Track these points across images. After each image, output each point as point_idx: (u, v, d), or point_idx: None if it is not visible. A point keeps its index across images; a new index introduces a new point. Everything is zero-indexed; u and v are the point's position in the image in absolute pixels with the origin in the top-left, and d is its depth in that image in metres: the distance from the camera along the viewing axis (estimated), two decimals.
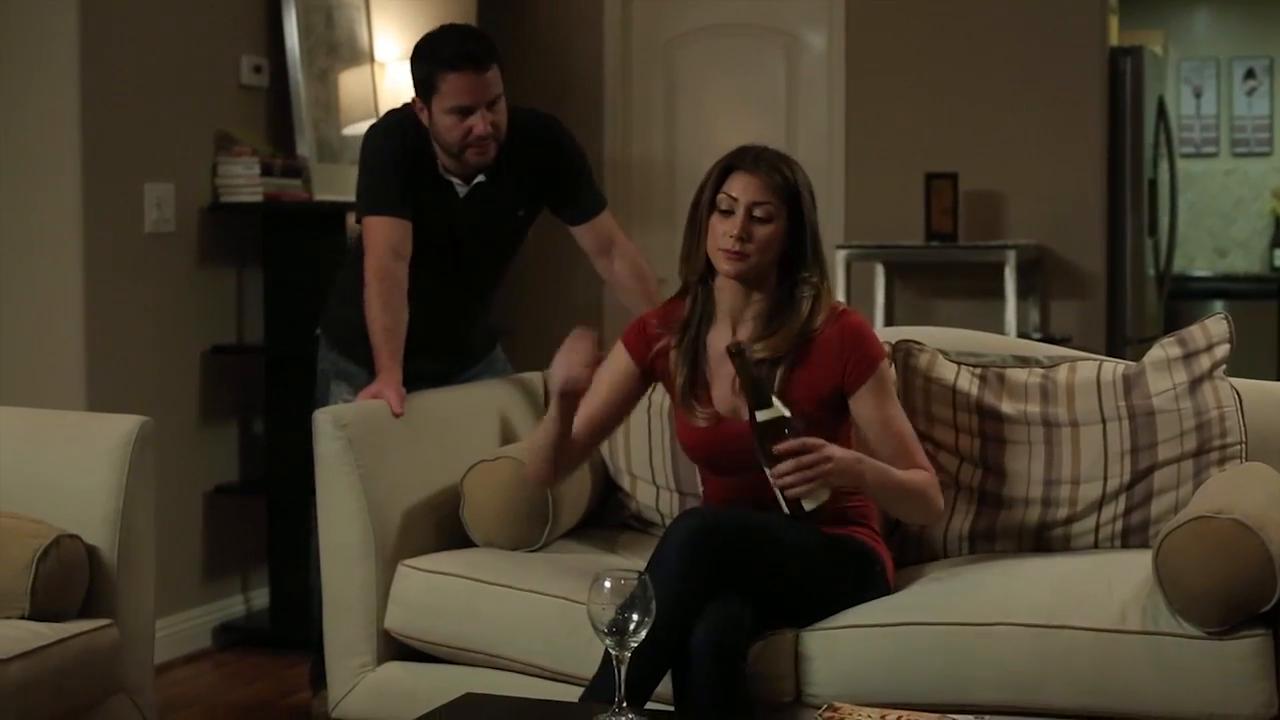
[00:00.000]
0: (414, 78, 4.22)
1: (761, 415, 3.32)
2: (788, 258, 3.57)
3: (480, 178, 4.27)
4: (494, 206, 4.32)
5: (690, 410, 3.62)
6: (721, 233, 3.54)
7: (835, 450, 3.34)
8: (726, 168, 3.59)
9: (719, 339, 3.61)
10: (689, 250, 3.64)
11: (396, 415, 3.98)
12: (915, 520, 3.70)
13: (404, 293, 4.16)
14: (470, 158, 4.21)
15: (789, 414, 3.32)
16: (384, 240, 4.18)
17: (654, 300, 4.43)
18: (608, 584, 2.80)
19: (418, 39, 4.30)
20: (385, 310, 4.13)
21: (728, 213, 3.54)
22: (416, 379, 4.14)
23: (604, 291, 7.27)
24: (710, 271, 3.61)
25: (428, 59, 4.19)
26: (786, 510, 3.34)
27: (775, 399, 3.34)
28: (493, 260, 4.47)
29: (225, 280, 5.74)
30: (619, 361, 3.75)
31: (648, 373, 3.73)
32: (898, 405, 3.62)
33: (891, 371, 3.64)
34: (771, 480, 3.32)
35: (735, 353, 3.34)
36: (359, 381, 4.31)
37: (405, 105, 4.31)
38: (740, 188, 3.54)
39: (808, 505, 3.32)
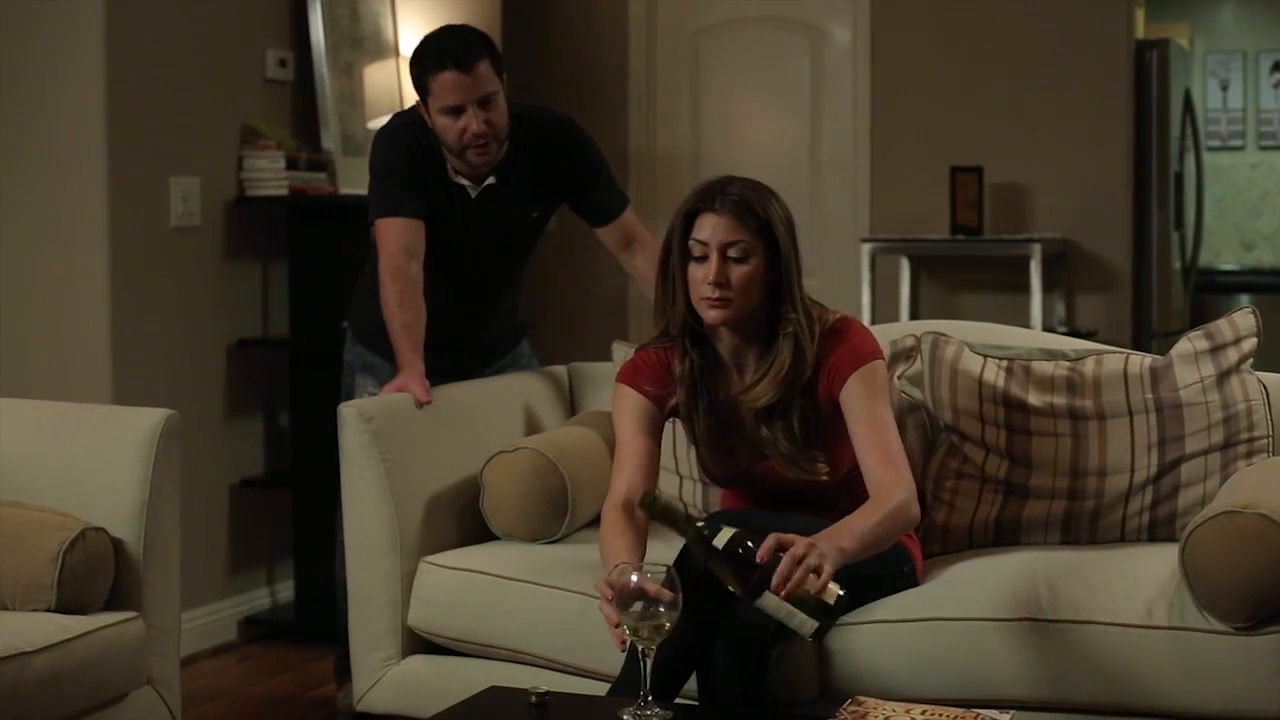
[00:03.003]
0: (412, 81, 4.24)
1: (718, 543, 3.01)
2: (777, 292, 3.41)
3: (491, 179, 4.27)
4: (506, 208, 4.32)
5: (719, 465, 3.58)
6: (699, 280, 3.37)
7: (799, 538, 3.03)
8: (690, 212, 3.40)
9: (729, 386, 3.50)
10: (666, 303, 3.46)
11: (423, 404, 3.98)
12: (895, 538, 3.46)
13: (419, 290, 4.16)
14: (471, 158, 4.20)
15: (734, 530, 3.03)
16: (396, 241, 4.18)
17: None
18: (634, 578, 2.80)
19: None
20: (402, 308, 4.13)
21: (701, 259, 3.37)
22: (438, 377, 4.14)
23: (629, 284, 7.27)
24: (697, 321, 3.45)
25: (419, 61, 4.20)
26: (813, 630, 3.02)
27: (711, 529, 3.04)
28: (508, 261, 4.47)
29: (250, 274, 5.75)
30: (634, 403, 3.54)
31: (666, 410, 3.57)
32: (887, 408, 3.46)
33: (883, 375, 3.49)
34: (777, 603, 3.00)
35: (646, 505, 3.04)
36: (383, 375, 4.32)
37: (414, 108, 4.31)
38: (709, 230, 3.36)
39: (830, 598, 3.00)
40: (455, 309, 4.35)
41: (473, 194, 4.27)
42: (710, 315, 3.38)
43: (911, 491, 3.34)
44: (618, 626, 2.90)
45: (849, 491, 3.48)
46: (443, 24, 4.56)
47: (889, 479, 3.33)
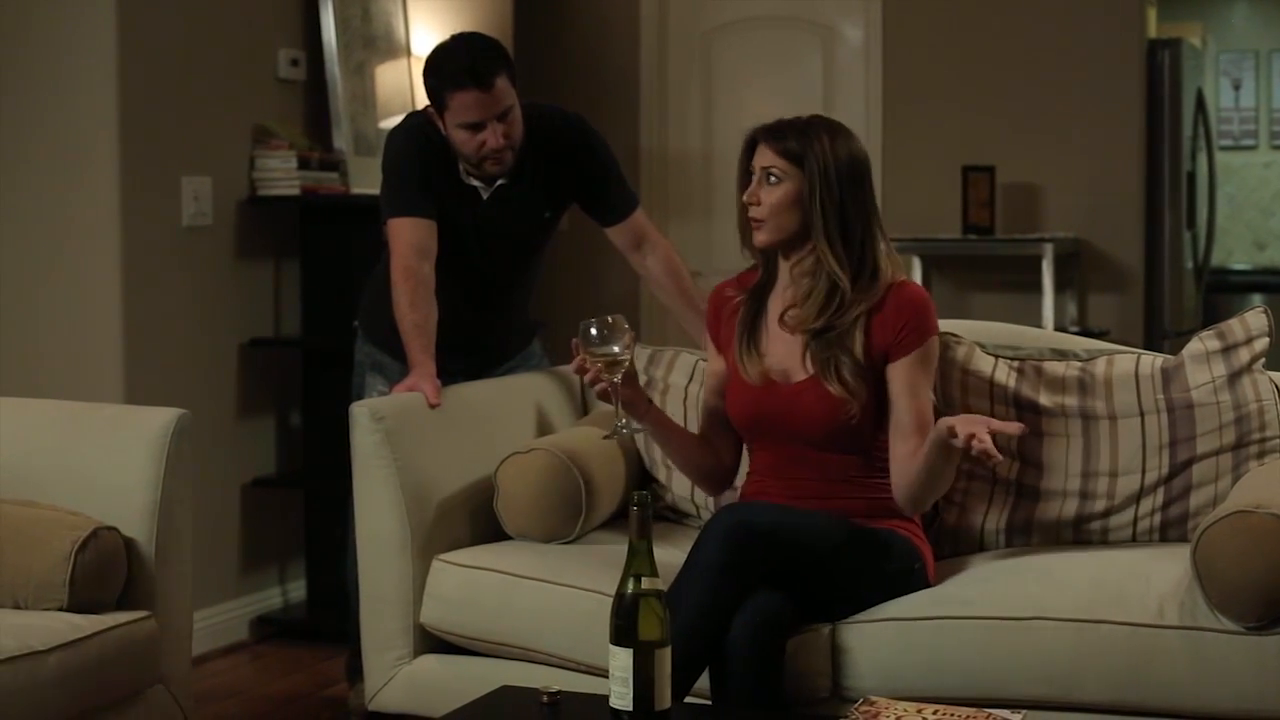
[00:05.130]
0: (427, 91, 4.23)
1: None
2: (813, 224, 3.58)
3: (502, 180, 4.27)
4: (518, 208, 4.32)
5: (743, 364, 3.63)
6: (741, 201, 3.63)
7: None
8: (750, 139, 3.64)
9: (777, 305, 3.65)
10: (740, 227, 3.68)
11: (433, 406, 3.99)
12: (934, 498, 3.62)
13: (431, 290, 4.16)
14: (488, 169, 4.21)
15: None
16: (408, 240, 4.19)
17: (689, 294, 4.43)
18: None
19: (435, 46, 4.30)
20: (413, 307, 4.13)
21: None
22: (449, 377, 4.14)
23: (640, 284, 7.27)
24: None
25: (437, 75, 4.18)
26: None
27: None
28: (520, 261, 4.47)
29: (262, 273, 5.75)
30: (710, 348, 3.80)
31: (721, 344, 3.75)
32: (930, 385, 3.61)
33: (935, 353, 3.63)
34: None
35: (643, 502, 2.94)
36: (393, 374, 4.33)
37: (427, 108, 4.30)
38: (757, 157, 3.60)
39: None
40: (466, 309, 4.35)
41: (485, 195, 4.27)
42: (754, 236, 3.60)
43: None
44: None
45: (863, 460, 3.57)
46: (454, 23, 4.58)
47: (908, 443, 3.51)
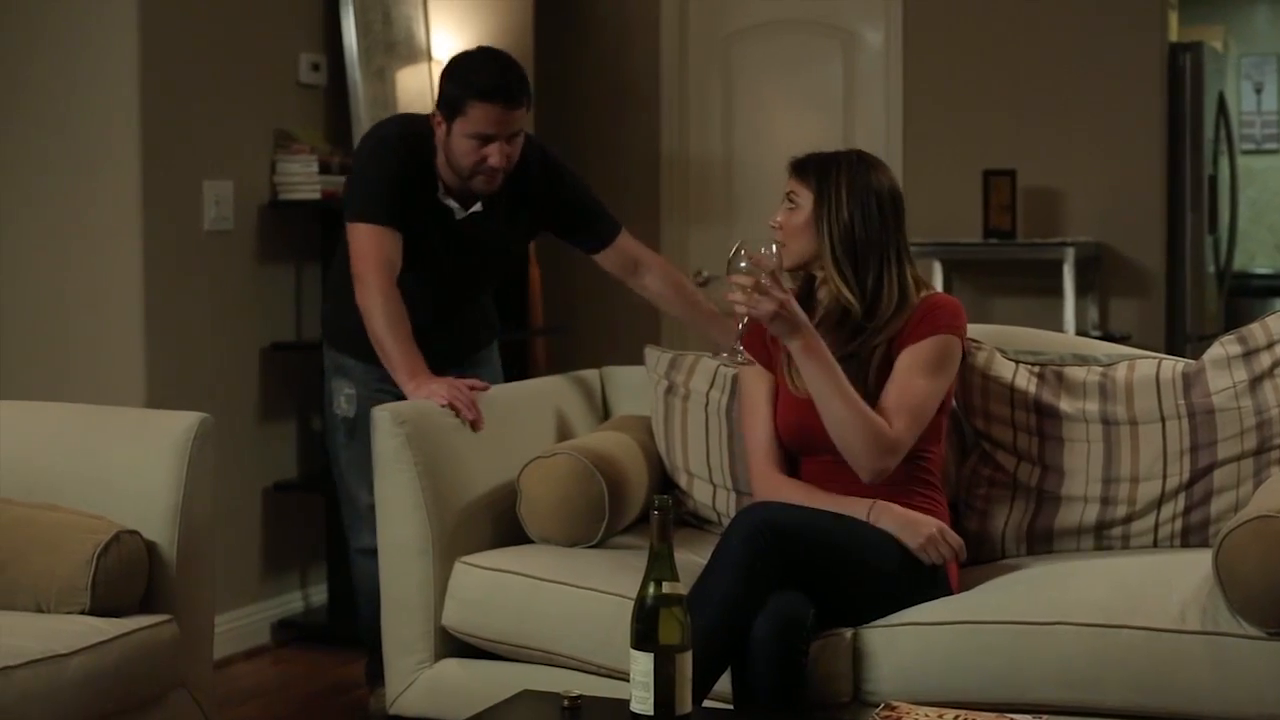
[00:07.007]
0: (442, 94, 4.20)
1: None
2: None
3: (477, 206, 4.26)
4: (487, 235, 4.31)
5: (790, 379, 3.66)
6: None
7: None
8: (790, 166, 3.75)
9: (819, 326, 3.66)
10: None
11: (474, 426, 4.00)
12: (842, 446, 3.55)
13: (401, 304, 4.14)
14: (477, 185, 4.20)
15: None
16: (381, 254, 4.15)
17: (698, 305, 4.46)
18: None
19: (455, 54, 4.29)
20: (392, 327, 4.11)
21: None
22: (392, 385, 4.16)
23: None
24: None
25: (462, 83, 4.16)
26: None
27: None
28: (481, 280, 4.48)
29: (284, 277, 5.76)
30: (751, 368, 3.78)
31: (768, 362, 3.77)
32: (931, 380, 3.59)
33: (939, 351, 3.61)
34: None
35: (664, 505, 2.94)
36: (355, 374, 4.40)
37: (416, 115, 4.29)
38: (787, 183, 3.72)
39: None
40: (422, 315, 4.28)
41: (458, 216, 4.27)
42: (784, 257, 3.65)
43: (895, 449, 3.53)
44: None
45: (902, 469, 3.58)
46: (475, 28, 4.58)
47: (891, 422, 3.54)
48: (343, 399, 4.47)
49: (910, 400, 3.55)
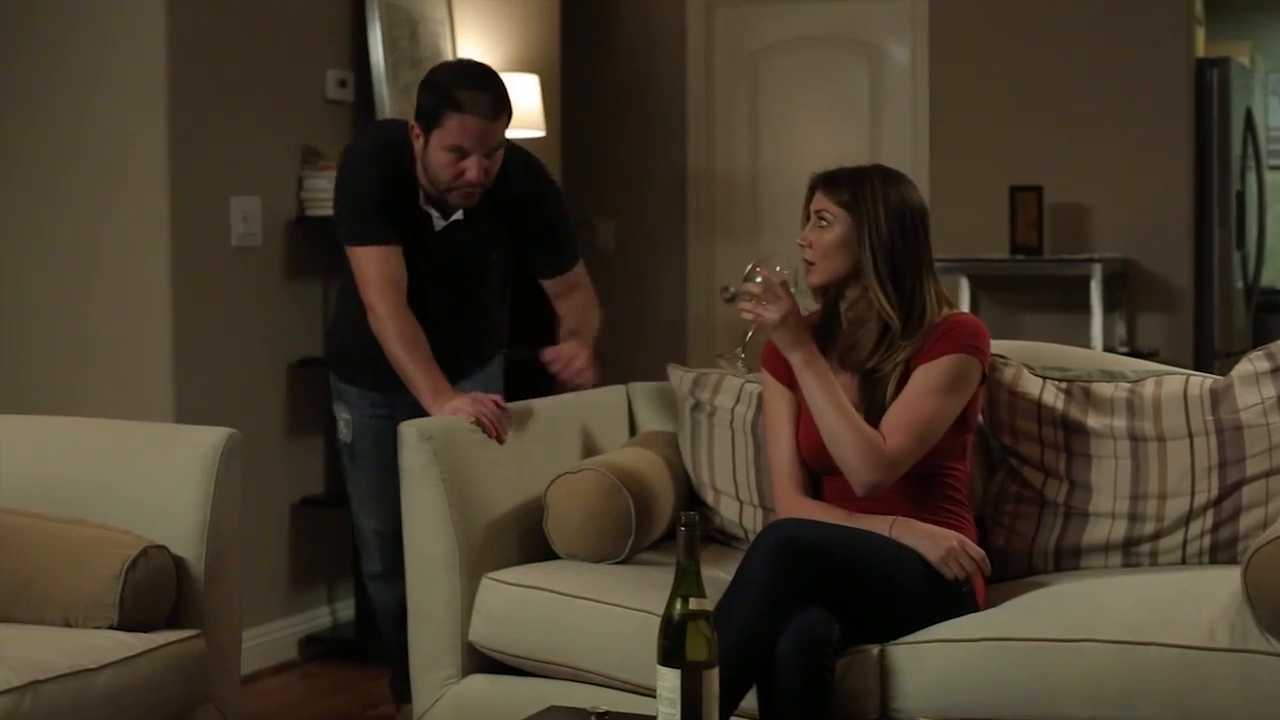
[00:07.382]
0: (420, 104, 4.15)
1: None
2: (861, 266, 3.64)
3: (458, 215, 4.23)
4: (467, 244, 4.29)
5: (813, 431, 3.64)
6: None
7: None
8: (812, 184, 3.72)
9: (836, 345, 3.70)
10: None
11: (500, 439, 4.00)
12: (837, 457, 3.56)
13: (414, 319, 4.13)
14: (454, 199, 4.17)
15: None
16: (385, 274, 4.13)
17: (588, 322, 4.42)
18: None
19: (440, 64, 4.27)
20: (407, 346, 4.09)
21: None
22: (399, 394, 4.17)
23: (687, 305, 7.28)
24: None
25: (440, 93, 4.10)
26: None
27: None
28: (469, 288, 4.42)
29: (311, 293, 5.77)
30: (772, 386, 3.78)
31: (790, 383, 3.74)
32: (941, 399, 3.56)
33: (954, 371, 3.58)
34: None
35: (690, 521, 2.91)
36: (349, 399, 4.41)
37: (393, 123, 4.25)
38: (814, 201, 3.69)
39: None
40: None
41: (438, 226, 4.25)
42: (808, 277, 3.67)
43: (890, 464, 3.51)
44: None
45: (925, 487, 3.58)
46: (502, 44, 4.58)
47: (889, 439, 3.52)
48: (342, 424, 4.49)
49: (913, 417, 3.54)
